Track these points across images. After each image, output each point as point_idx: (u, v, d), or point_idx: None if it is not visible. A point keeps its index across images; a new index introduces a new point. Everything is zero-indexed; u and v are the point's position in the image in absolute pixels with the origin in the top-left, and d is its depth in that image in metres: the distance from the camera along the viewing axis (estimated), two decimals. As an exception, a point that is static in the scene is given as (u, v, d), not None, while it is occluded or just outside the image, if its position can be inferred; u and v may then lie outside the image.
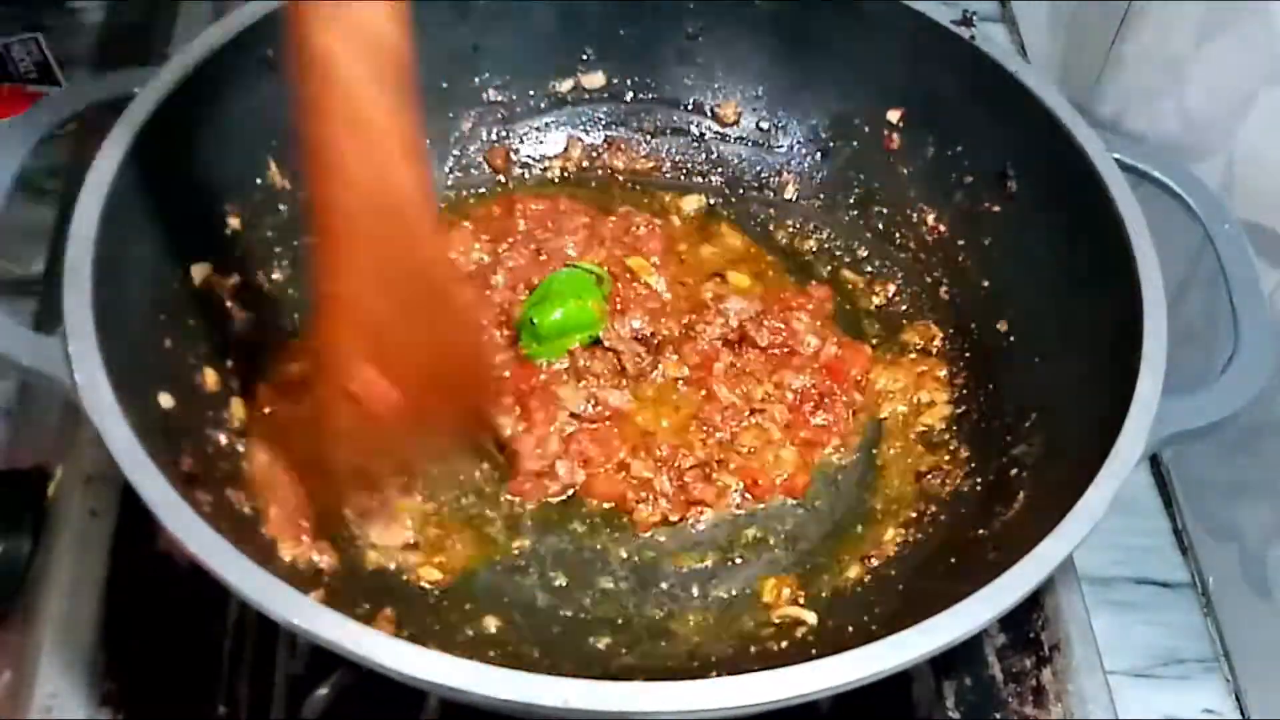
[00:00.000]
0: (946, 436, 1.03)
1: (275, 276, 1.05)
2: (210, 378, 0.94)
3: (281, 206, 1.05)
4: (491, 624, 0.91)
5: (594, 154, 1.20)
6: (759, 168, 1.19)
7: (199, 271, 0.96)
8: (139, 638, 0.94)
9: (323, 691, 0.91)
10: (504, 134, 1.19)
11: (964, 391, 1.05)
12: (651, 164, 1.20)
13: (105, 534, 0.97)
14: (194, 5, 1.32)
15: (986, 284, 1.07)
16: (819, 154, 1.16)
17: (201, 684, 0.94)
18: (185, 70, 0.93)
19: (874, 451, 1.03)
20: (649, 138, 1.20)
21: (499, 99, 1.17)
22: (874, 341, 1.10)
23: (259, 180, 1.03)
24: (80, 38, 1.36)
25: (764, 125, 1.19)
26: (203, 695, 0.93)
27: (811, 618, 0.92)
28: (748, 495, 0.99)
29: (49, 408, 1.05)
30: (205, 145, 0.96)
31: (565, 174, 1.20)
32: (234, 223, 1.01)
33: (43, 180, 1.21)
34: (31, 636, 0.93)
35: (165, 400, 0.87)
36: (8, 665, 0.93)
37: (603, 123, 1.20)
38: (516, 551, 0.95)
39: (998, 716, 0.96)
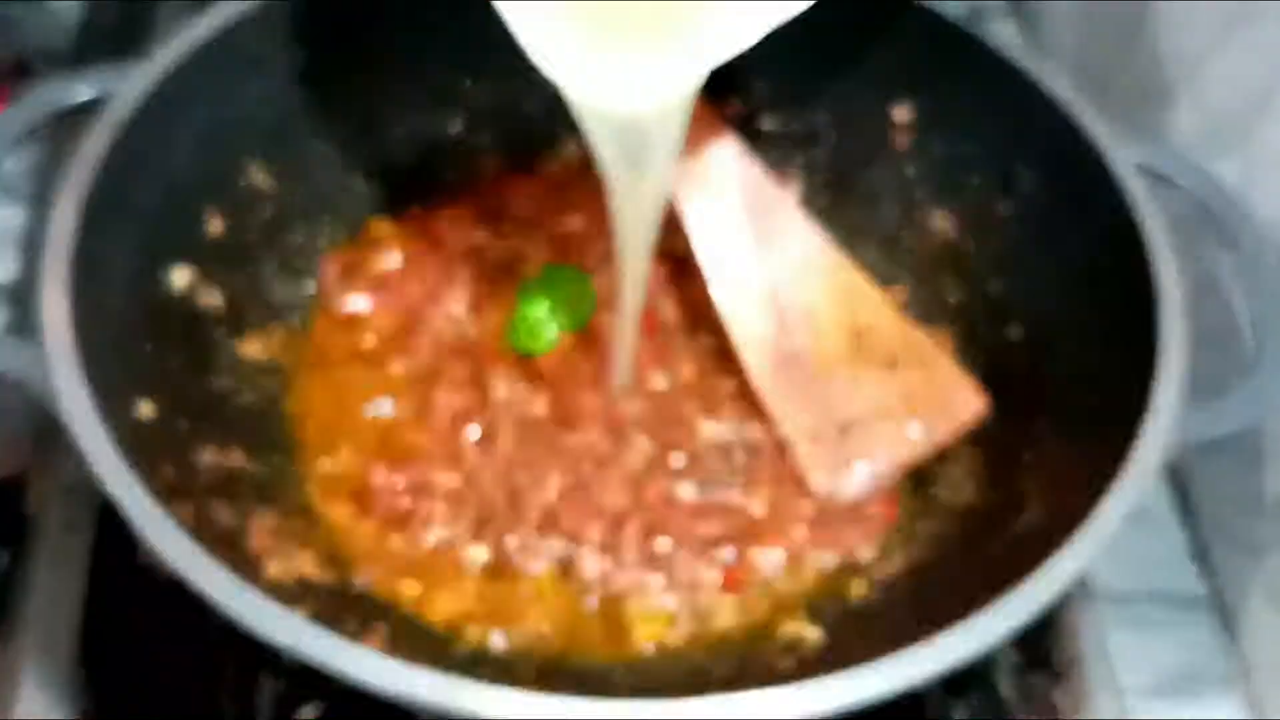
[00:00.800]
0: (955, 445, 1.01)
1: (259, 280, 1.04)
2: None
3: (265, 208, 1.04)
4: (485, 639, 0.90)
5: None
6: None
7: (181, 275, 0.96)
8: (119, 653, 0.93)
9: (309, 708, 0.90)
10: (500, 134, 1.17)
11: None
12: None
13: (84, 547, 0.97)
14: (174, 3, 1.32)
15: (996, 287, 1.05)
16: (823, 153, 1.15)
17: (184, 701, 0.93)
18: (165, 69, 0.92)
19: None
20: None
21: (491, 100, 1.16)
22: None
23: (241, 182, 1.02)
24: (57, 36, 1.35)
25: (767, 124, 1.16)
26: (185, 713, 0.93)
27: (816, 634, 0.91)
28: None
29: (25, 416, 1.04)
30: (186, 146, 0.96)
31: (563, 174, 1.19)
32: (216, 225, 1.00)
33: (19, 182, 1.21)
34: (9, 652, 0.93)
35: (146, 409, 0.86)
36: (-15, 683, 0.92)
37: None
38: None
39: (1010, 737, 0.95)
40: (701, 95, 0.83)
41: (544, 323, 1.03)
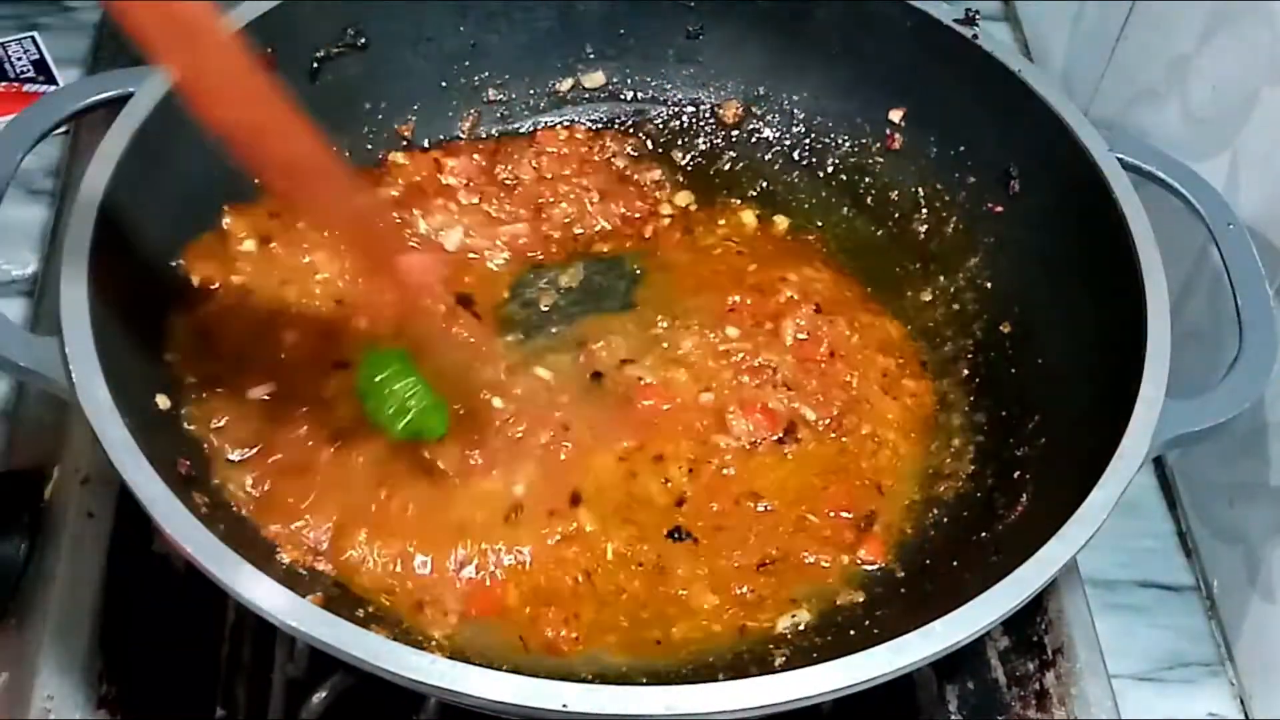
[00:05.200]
0: (956, 438, 1.02)
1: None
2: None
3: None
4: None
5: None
6: (753, 168, 1.18)
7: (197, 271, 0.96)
8: (136, 640, 0.94)
9: (321, 695, 0.90)
10: (504, 133, 1.17)
11: (966, 393, 1.04)
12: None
13: (102, 535, 0.97)
14: (192, 4, 1.32)
15: (989, 285, 1.06)
16: (817, 153, 1.16)
17: (199, 687, 0.94)
18: (183, 70, 0.93)
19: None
20: (649, 138, 1.19)
21: (498, 98, 1.16)
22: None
23: (257, 180, 0.99)
24: (77, 37, 1.35)
25: (765, 124, 1.18)
26: (200, 698, 0.93)
27: (812, 621, 0.91)
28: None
29: (46, 409, 1.04)
30: (203, 145, 0.93)
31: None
32: (232, 222, 1.00)
33: (40, 180, 1.22)
34: (29, 638, 0.93)
35: (163, 401, 0.87)
36: (5, 667, 0.93)
37: (602, 122, 1.19)
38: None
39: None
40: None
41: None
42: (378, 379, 0.85)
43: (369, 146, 1.11)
